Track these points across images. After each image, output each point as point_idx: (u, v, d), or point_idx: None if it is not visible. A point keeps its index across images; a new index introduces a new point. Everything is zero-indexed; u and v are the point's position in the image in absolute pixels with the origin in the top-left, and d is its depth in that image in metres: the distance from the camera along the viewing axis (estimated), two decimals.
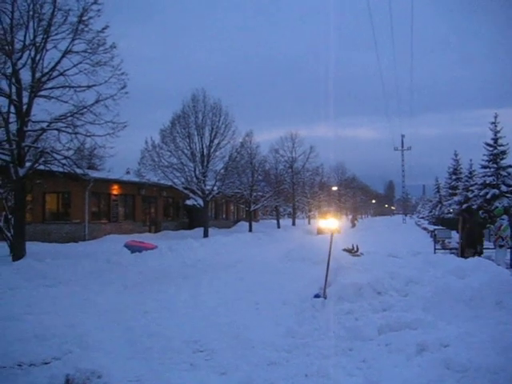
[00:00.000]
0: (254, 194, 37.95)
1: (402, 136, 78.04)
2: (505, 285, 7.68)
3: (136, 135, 29.10)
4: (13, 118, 16.04)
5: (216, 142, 30.60)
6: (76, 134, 16.41)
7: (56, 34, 15.79)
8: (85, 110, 16.13)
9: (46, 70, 15.98)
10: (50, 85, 16.27)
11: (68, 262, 15.20)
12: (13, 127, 16.07)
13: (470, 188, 39.39)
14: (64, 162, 16.95)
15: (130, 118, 16.83)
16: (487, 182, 34.48)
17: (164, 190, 34.12)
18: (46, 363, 5.99)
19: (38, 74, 15.88)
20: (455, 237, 21.08)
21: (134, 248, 18.30)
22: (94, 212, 28.33)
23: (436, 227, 33.65)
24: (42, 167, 17.29)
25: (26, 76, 15.91)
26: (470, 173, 44.12)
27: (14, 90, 15.69)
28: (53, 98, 16.25)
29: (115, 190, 30.13)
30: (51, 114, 16.21)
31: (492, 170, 34.81)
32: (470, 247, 14.20)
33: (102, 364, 5.77)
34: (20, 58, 15.56)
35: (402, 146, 77.36)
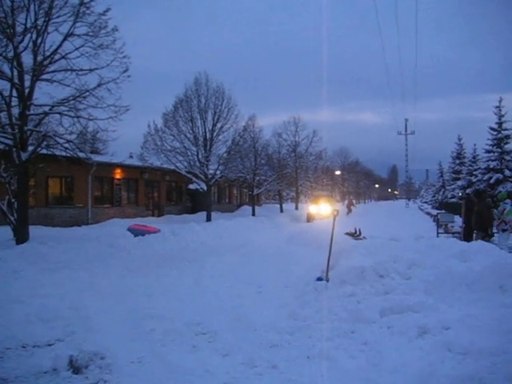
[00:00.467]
0: (257, 178, 37.86)
1: (406, 120, 78.34)
2: (507, 268, 7.66)
3: (139, 119, 29.05)
4: (15, 101, 15.98)
5: (219, 125, 30.48)
6: (78, 117, 16.36)
7: (57, 17, 15.67)
8: (87, 93, 16.06)
9: (47, 53, 15.88)
10: (51, 68, 16.18)
11: (71, 246, 15.26)
12: (15, 111, 16.03)
13: (474, 172, 39.32)
14: (67, 145, 16.92)
15: (132, 101, 16.79)
16: (491, 166, 34.36)
17: (167, 174, 34.10)
18: (50, 345, 6.04)
19: (39, 58, 15.79)
20: (458, 221, 21.06)
21: (137, 232, 18.35)
22: (97, 196, 28.36)
23: (439, 211, 33.64)
24: (44, 151, 17.24)
25: (27, 59, 15.82)
26: (474, 157, 44.00)
27: (15, 73, 15.60)
28: (55, 81, 16.17)
29: (118, 174, 30.12)
30: (53, 98, 16.14)
31: (496, 154, 34.67)
32: (480, 230, 14.11)
33: (106, 345, 5.81)
34: (21, 41, 15.46)
35: (406, 131, 77.37)
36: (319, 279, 8.96)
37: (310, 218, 35.20)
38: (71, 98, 16.09)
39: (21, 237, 15.81)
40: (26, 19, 15.38)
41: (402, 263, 8.75)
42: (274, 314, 7.32)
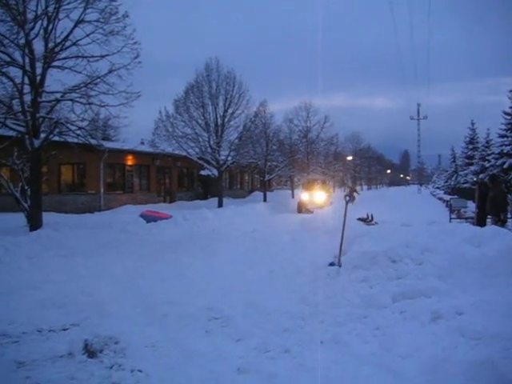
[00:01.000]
0: (269, 163, 37.84)
1: (418, 105, 77.32)
2: None
3: (150, 105, 29.03)
4: (27, 89, 16.06)
5: (230, 111, 30.48)
6: (90, 104, 16.43)
7: (68, 4, 15.69)
8: (98, 80, 16.11)
9: (58, 40, 15.92)
10: (63, 55, 16.25)
11: (84, 232, 15.38)
12: (27, 98, 16.10)
13: (487, 158, 38.98)
14: (78, 132, 17.01)
15: (143, 87, 16.82)
16: (504, 151, 33.97)
17: (178, 161, 34.19)
18: (65, 329, 6.11)
19: (50, 44, 15.83)
20: (471, 206, 20.94)
21: (149, 218, 18.43)
22: (109, 183, 28.53)
23: (452, 197, 33.45)
24: (56, 138, 17.35)
25: (38, 46, 15.90)
26: (487, 142, 43.65)
27: (27, 60, 15.66)
28: (66, 68, 16.23)
29: (130, 160, 30.25)
30: (65, 85, 16.21)
31: (510, 139, 34.29)
32: (495, 215, 14.02)
33: (120, 330, 5.86)
34: (32, 28, 15.49)
35: (418, 115, 76.61)
36: (331, 264, 8.96)
37: (301, 208, 28.74)
38: (83, 85, 16.15)
39: (34, 223, 15.97)
40: (37, 6, 15.46)
41: (415, 248, 8.71)
42: (287, 299, 7.33)
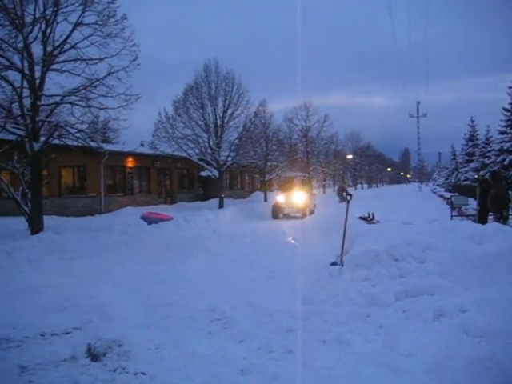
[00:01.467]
0: (269, 163, 37.82)
1: (418, 103, 77.04)
2: None
3: (149, 107, 29.00)
4: (26, 92, 16.07)
5: (229, 112, 30.47)
6: (89, 107, 16.44)
7: (66, 7, 15.71)
8: (97, 82, 16.12)
9: (57, 44, 15.94)
10: (61, 58, 16.25)
11: (85, 235, 15.38)
12: (26, 102, 16.10)
13: (487, 154, 39.04)
14: (78, 135, 17.03)
15: (142, 89, 16.82)
16: (504, 148, 34.03)
17: (179, 162, 34.16)
18: (68, 333, 6.10)
19: (49, 48, 15.83)
20: (472, 203, 20.92)
21: (150, 220, 18.43)
22: (109, 185, 28.53)
23: (452, 194, 33.42)
24: (56, 141, 17.35)
25: (37, 50, 15.91)
26: (487, 139, 43.70)
27: (26, 64, 15.67)
28: (65, 71, 16.25)
29: (130, 162, 30.24)
30: (64, 88, 16.22)
31: (509, 135, 34.35)
32: (497, 212, 14.00)
33: (122, 333, 5.85)
34: (31, 31, 15.50)
35: (418, 113, 76.45)
36: (333, 264, 8.94)
37: (277, 212, 24.56)
38: (82, 88, 16.17)
39: (35, 227, 15.97)
40: (35, 9, 15.46)
41: (417, 246, 8.69)
42: (289, 299, 7.33)
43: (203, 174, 34.61)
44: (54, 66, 16.17)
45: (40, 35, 15.68)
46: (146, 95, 17.38)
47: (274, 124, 39.20)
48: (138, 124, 19.21)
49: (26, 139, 15.92)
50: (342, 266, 8.62)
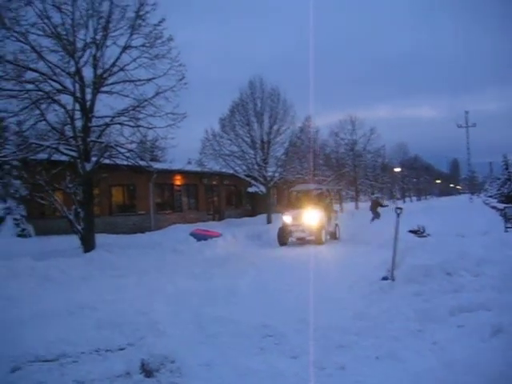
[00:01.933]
0: (316, 178, 37.72)
1: (466, 112, 75.32)
2: None
3: (195, 125, 29.44)
4: (77, 114, 16.55)
5: (275, 128, 30.58)
6: (138, 126, 16.79)
7: (115, 31, 16.17)
8: (145, 102, 16.46)
9: (106, 66, 16.39)
10: (111, 80, 16.70)
11: (136, 252, 15.64)
12: (78, 124, 16.58)
13: None
14: (128, 154, 17.39)
15: (188, 108, 17.06)
16: None
17: (226, 179, 34.45)
18: (121, 349, 6.20)
19: (99, 71, 16.31)
20: None
21: (199, 236, 18.61)
22: (158, 203, 28.94)
23: (506, 205, 32.43)
24: (107, 161, 17.78)
25: (88, 73, 16.41)
26: None
27: (77, 87, 16.18)
28: (114, 92, 16.67)
29: (178, 180, 30.65)
30: (113, 109, 16.63)
31: None
32: None
33: (174, 349, 5.91)
34: (82, 56, 16.03)
35: (467, 123, 74.73)
36: (384, 278, 8.83)
37: (284, 236, 19.33)
38: (131, 108, 16.54)
39: (87, 245, 16.36)
40: (86, 35, 15.93)
41: (470, 260, 8.50)
42: (340, 315, 7.25)
43: (250, 190, 34.74)
44: (103, 89, 16.64)
45: (90, 59, 16.18)
46: (192, 113, 17.65)
47: (320, 139, 39.18)
48: (184, 142, 19.46)
49: (78, 160, 16.38)
50: (393, 280, 8.50)
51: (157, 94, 16.41)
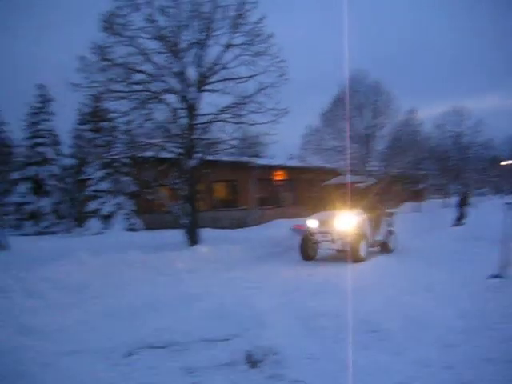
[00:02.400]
0: (420, 172, 36.57)
1: None
2: None
3: (295, 120, 29.49)
4: (182, 113, 17.11)
5: (377, 121, 29.97)
6: (241, 123, 17.10)
7: (216, 30, 16.53)
8: (247, 99, 16.71)
9: (209, 65, 16.81)
10: (213, 79, 17.09)
11: (239, 247, 15.92)
12: (183, 122, 17.14)
13: None
14: (231, 151, 17.77)
15: (289, 103, 17.11)
16: None
17: (327, 174, 34.20)
18: (227, 339, 6.39)
19: (202, 70, 16.77)
20: None
21: (300, 231, 18.60)
22: (259, 198, 29.28)
23: None
24: (209, 157, 18.23)
25: (191, 73, 16.92)
26: None
27: (182, 86, 16.74)
28: (216, 90, 17.05)
29: (279, 175, 30.83)
30: (215, 107, 17.02)
31: None
32: None
33: (278, 342, 5.99)
34: (186, 56, 16.57)
35: None
36: (494, 276, 8.46)
37: (307, 247, 14.97)
38: (233, 106, 16.85)
39: (192, 239, 16.90)
40: (190, 36, 16.44)
41: None
42: (447, 313, 7.01)
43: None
44: (206, 87, 17.07)
45: (194, 59, 16.67)
46: (293, 108, 17.66)
47: (424, 131, 37.86)
48: (284, 137, 19.53)
49: (183, 157, 16.95)
50: (504, 278, 8.13)
51: (259, 90, 16.59)
